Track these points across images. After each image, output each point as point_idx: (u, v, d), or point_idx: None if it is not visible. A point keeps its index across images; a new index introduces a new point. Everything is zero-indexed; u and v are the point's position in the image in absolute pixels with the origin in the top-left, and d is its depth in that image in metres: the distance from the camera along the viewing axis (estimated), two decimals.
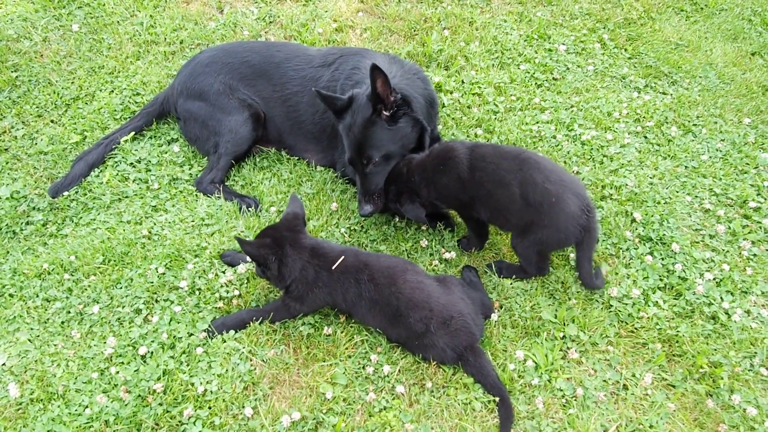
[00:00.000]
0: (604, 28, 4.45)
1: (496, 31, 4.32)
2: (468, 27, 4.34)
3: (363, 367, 2.47)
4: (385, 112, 2.80)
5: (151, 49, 4.03)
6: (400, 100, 2.79)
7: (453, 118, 3.67)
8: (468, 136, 3.54)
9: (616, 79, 4.06)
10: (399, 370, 2.46)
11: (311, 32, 4.18)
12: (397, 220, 3.05)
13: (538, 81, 3.99)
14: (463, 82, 3.92)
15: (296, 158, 3.38)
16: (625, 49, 4.30)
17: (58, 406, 2.34)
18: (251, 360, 2.47)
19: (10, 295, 2.73)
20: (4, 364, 2.48)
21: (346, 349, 2.53)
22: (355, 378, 2.44)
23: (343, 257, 2.46)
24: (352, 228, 3.00)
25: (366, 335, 2.57)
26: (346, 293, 2.48)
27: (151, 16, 4.17)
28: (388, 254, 2.69)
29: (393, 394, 2.39)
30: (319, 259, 2.45)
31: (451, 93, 3.84)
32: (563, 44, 4.24)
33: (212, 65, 3.33)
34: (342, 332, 2.58)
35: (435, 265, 2.87)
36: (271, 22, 4.27)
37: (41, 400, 2.37)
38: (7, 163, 3.35)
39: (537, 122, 3.67)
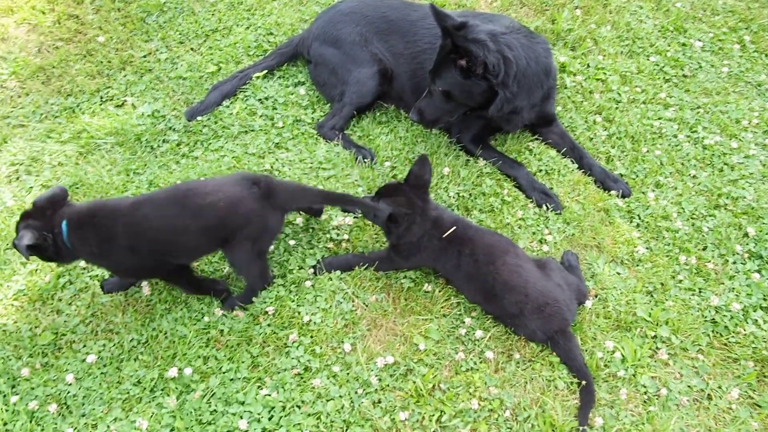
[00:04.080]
0: (746, 28, 4.21)
1: (630, 17, 4.19)
2: (602, 9, 4.22)
3: (456, 328, 2.60)
4: (460, 62, 2.88)
5: None
6: (481, 62, 2.81)
7: (573, 101, 3.64)
8: (587, 122, 3.51)
9: (751, 85, 3.87)
10: (489, 337, 2.57)
11: None
12: (506, 193, 3.11)
13: (666, 75, 3.86)
14: (588, 65, 3.85)
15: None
16: (766, 55, 4.07)
17: (181, 310, 2.61)
18: (353, 301, 2.65)
19: None
20: None
21: (442, 308, 2.66)
22: (447, 336, 2.57)
23: (454, 228, 2.56)
24: (460, 194, 3.08)
25: (462, 298, 2.69)
26: (447, 262, 2.59)
27: None
28: (494, 231, 2.77)
29: (481, 358, 2.51)
30: (436, 230, 2.55)
31: (575, 75, 3.79)
32: (699, 40, 4.06)
33: (351, 15, 3.44)
34: (440, 291, 2.71)
35: (534, 247, 2.93)
36: None
37: (167, 301, 2.65)
38: (150, 82, 3.62)
39: (659, 118, 3.58)
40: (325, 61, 3.45)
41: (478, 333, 2.57)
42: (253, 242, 2.46)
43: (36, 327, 2.58)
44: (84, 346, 2.52)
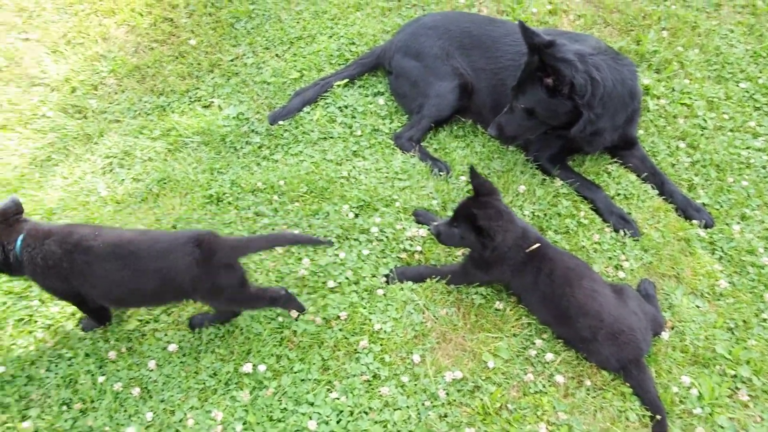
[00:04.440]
0: None
1: (720, 41, 4.05)
2: (690, 31, 4.10)
3: (526, 348, 2.58)
4: (547, 80, 2.86)
5: (371, 3, 4.26)
6: (569, 82, 2.79)
7: (656, 125, 3.55)
8: (669, 148, 3.42)
9: None
10: (560, 361, 2.54)
11: (524, 10, 4.18)
12: (582, 215, 3.06)
13: (757, 103, 3.72)
14: (673, 89, 3.75)
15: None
16: None
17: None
18: (424, 313, 2.67)
19: (228, 203, 3.13)
20: None
21: (513, 327, 2.65)
22: (516, 356, 2.56)
23: (539, 245, 2.54)
24: (535, 213, 3.06)
25: (533, 319, 2.67)
26: (525, 279, 2.58)
27: None
28: (571, 254, 2.73)
29: (550, 381, 2.49)
30: (523, 242, 2.55)
31: (658, 98, 3.70)
32: None
33: (435, 29, 3.48)
34: (511, 310, 2.69)
35: (610, 272, 2.87)
36: None
37: None
38: (236, 85, 3.77)
39: (747, 147, 3.45)
40: (406, 73, 3.50)
41: (549, 356, 2.54)
42: (211, 299, 2.48)
43: (123, 313, 2.72)
44: (165, 335, 2.64)
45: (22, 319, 2.72)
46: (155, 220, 3.08)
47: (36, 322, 2.71)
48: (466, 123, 3.55)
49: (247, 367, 2.47)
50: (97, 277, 2.37)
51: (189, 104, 3.69)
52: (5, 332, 2.66)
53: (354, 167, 3.29)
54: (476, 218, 2.44)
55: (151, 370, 2.52)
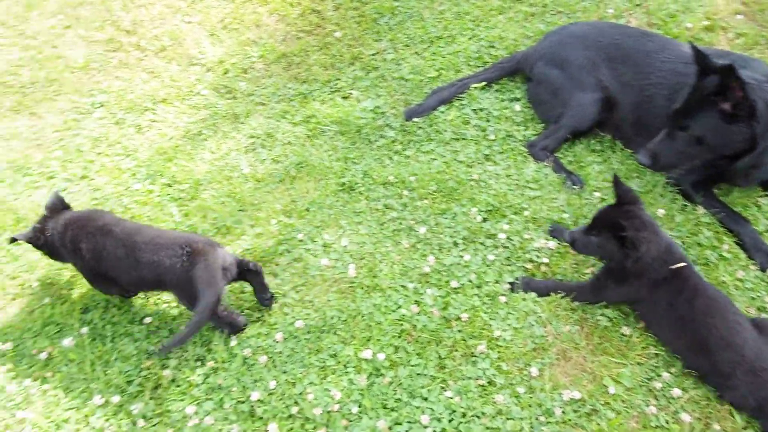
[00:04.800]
0: None
1: None
2: None
3: (651, 379, 2.48)
4: (723, 105, 2.68)
5: (514, 7, 4.22)
6: (747, 106, 2.62)
7: None
8: None
9: None
10: (688, 399, 2.41)
11: (678, 25, 3.97)
12: (725, 248, 2.88)
13: None
14: None
15: (630, 151, 3.34)
16: None
17: (380, 297, 2.78)
18: (545, 327, 2.63)
19: (359, 192, 3.24)
20: (346, 246, 3.01)
21: (638, 355, 2.55)
22: (639, 386, 2.46)
23: (684, 264, 2.43)
24: (674, 239, 2.91)
25: (662, 350, 2.55)
26: (660, 298, 2.47)
27: None
28: (715, 287, 2.58)
29: (675, 419, 2.37)
30: (668, 256, 2.45)
31: None
32: None
33: (582, 39, 3.39)
34: (638, 337, 2.59)
35: (752, 313, 2.68)
36: (638, 5, 4.15)
37: (367, 286, 2.84)
38: (375, 79, 3.88)
39: None
40: (547, 81, 3.44)
41: (676, 391, 2.42)
42: (188, 301, 2.60)
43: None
44: (293, 311, 2.78)
45: None
46: (290, 201, 3.25)
47: None
48: (604, 138, 3.43)
49: (367, 354, 2.56)
50: (111, 260, 2.66)
51: (329, 94, 3.84)
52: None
53: (485, 171, 3.29)
54: (621, 226, 2.36)
55: (278, 342, 2.67)
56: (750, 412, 2.35)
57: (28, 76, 4.25)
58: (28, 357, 2.79)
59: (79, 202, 3.40)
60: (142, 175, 3.53)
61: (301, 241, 3.06)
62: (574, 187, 3.15)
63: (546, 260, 2.86)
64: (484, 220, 3.04)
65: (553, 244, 2.90)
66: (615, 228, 2.40)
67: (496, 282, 2.80)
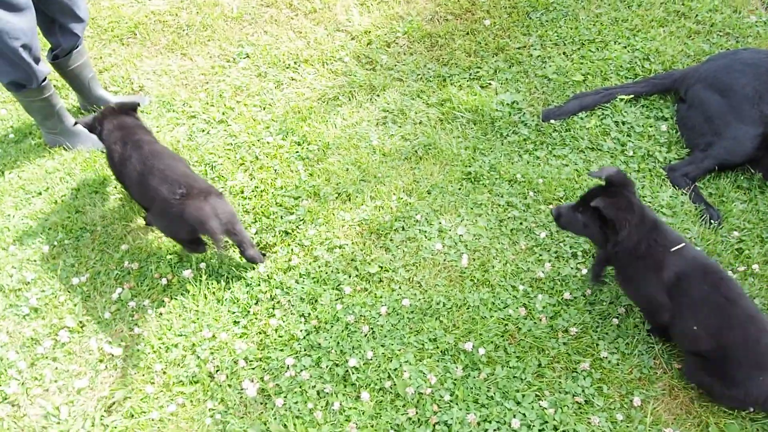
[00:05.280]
0: None
1: None
2: None
3: None
4: None
5: (678, 21, 3.98)
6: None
7: None
8: None
9: None
10: None
11: None
12: None
13: None
14: None
15: None
16: None
17: (488, 293, 2.76)
18: (656, 359, 2.52)
19: (484, 185, 3.22)
20: (461, 236, 3.00)
21: (750, 413, 2.38)
22: None
23: (684, 245, 2.38)
24: None
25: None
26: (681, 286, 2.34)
27: None
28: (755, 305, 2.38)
29: None
30: (659, 236, 2.38)
31: None
32: None
33: (753, 67, 3.14)
34: None
35: None
36: None
37: (477, 279, 2.83)
38: (517, 74, 3.80)
39: None
40: (703, 106, 3.23)
41: None
42: (167, 233, 3.03)
43: (367, 255, 2.96)
44: (400, 287, 2.82)
45: (287, 232, 3.11)
46: (413, 181, 3.28)
47: (295, 238, 3.07)
48: (754, 175, 3.19)
49: (468, 346, 2.56)
50: (130, 172, 2.97)
51: (468, 80, 3.81)
52: (272, 241, 3.07)
53: None
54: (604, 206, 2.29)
55: (380, 315, 2.73)
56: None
57: (186, 18, 4.51)
58: (149, 279, 3.01)
59: (213, 144, 3.61)
60: (275, 129, 3.67)
61: (417, 221, 3.08)
62: (712, 221, 2.96)
63: None
64: None
65: None
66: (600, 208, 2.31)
67: (611, 303, 2.69)
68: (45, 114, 3.55)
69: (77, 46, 3.54)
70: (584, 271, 2.80)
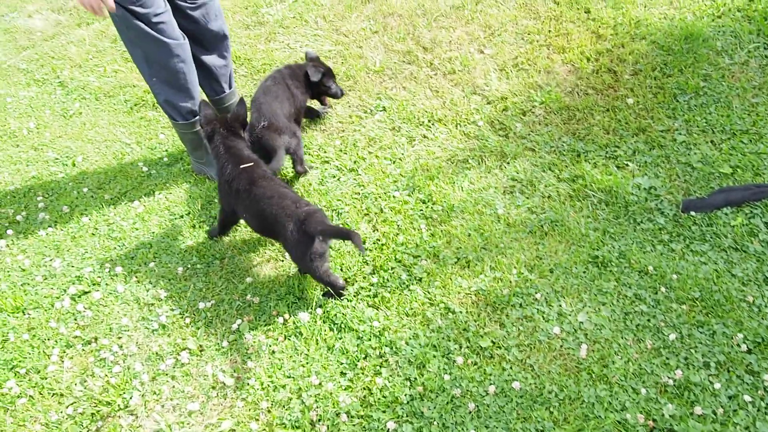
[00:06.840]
0: None
1: None
2: None
3: None
4: None
5: None
6: None
7: None
8: None
9: None
10: None
11: None
12: None
13: None
14: None
15: None
16: None
17: (605, 391, 2.61)
18: None
19: (611, 272, 3.07)
20: (582, 323, 2.87)
21: None
22: None
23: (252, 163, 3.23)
24: None
25: None
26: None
27: None
28: None
29: None
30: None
31: None
32: None
33: None
34: None
35: None
36: None
37: (595, 374, 2.68)
38: (658, 158, 3.64)
39: None
40: None
41: None
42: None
43: (481, 328, 2.91)
44: (511, 368, 2.74)
45: (401, 289, 3.13)
46: (536, 257, 3.20)
47: (415, 298, 3.09)
48: None
49: None
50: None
51: (604, 159, 3.70)
52: (388, 296, 3.10)
53: (763, 296, 2.89)
54: None
55: (488, 394, 2.65)
56: None
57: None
58: (267, 315, 3.14)
59: (342, 191, 3.74)
60: (402, 184, 3.75)
61: (536, 300, 3.00)
62: None
63: None
64: (749, 351, 2.68)
65: None
66: None
67: (746, 428, 2.44)
68: (194, 145, 3.89)
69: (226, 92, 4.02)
70: (717, 386, 2.57)
